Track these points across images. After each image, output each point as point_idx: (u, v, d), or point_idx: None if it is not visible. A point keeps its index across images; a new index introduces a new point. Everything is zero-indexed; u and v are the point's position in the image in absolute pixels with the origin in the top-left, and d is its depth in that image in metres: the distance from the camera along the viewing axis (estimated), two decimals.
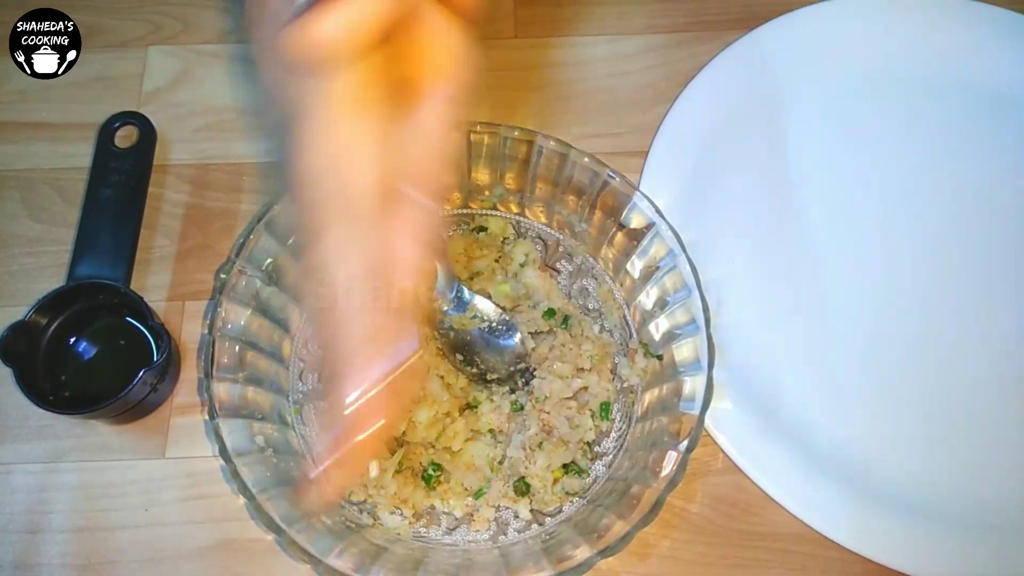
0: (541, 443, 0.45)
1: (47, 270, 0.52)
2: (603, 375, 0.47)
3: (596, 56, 0.59)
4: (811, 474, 0.46)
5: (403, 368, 0.30)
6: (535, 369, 0.47)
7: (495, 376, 0.47)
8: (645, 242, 0.47)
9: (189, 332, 0.50)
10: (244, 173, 0.55)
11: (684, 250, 0.45)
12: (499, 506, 0.45)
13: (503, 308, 0.48)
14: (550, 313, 0.49)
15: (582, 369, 0.47)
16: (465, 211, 0.52)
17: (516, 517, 0.45)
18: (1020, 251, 0.53)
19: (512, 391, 0.47)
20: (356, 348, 0.30)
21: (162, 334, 0.46)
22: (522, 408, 0.47)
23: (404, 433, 0.45)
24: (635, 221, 0.47)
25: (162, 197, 0.54)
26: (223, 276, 0.44)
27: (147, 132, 0.53)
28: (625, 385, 0.48)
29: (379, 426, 0.31)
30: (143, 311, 0.46)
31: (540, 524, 0.45)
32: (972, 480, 0.47)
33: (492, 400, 0.46)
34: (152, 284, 0.51)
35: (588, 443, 0.46)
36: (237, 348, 0.44)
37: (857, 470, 0.47)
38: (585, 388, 0.47)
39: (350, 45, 0.26)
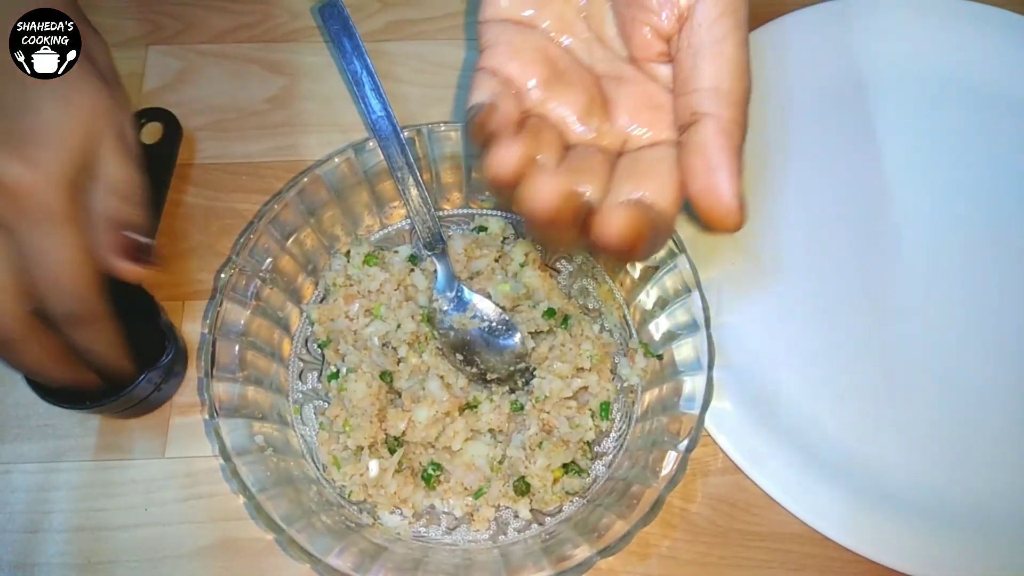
0: (541, 443, 0.45)
1: None
2: (603, 375, 0.47)
3: None
4: (810, 474, 0.46)
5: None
6: (535, 369, 0.47)
7: (495, 376, 0.47)
8: None
9: (188, 332, 0.50)
10: (243, 173, 0.55)
11: (684, 250, 0.45)
12: (499, 506, 0.45)
13: (503, 308, 0.48)
14: (550, 313, 0.49)
15: (582, 369, 0.47)
16: (465, 211, 0.52)
17: (516, 517, 0.45)
18: None
19: (512, 391, 0.47)
20: None
21: (170, 334, 0.46)
22: (522, 408, 0.47)
23: (404, 432, 0.45)
24: None
25: None
26: (223, 276, 0.44)
27: (173, 129, 0.53)
28: (625, 385, 0.48)
29: None
30: (152, 310, 0.46)
31: (540, 524, 0.45)
32: (972, 479, 0.47)
33: (492, 400, 0.46)
34: (150, 282, 0.51)
35: (588, 443, 0.46)
36: (237, 348, 0.44)
37: (856, 470, 0.47)
38: (585, 388, 0.47)
39: None
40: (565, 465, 0.45)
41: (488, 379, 0.47)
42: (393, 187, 0.49)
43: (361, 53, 0.46)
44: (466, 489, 0.45)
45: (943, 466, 0.47)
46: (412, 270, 0.50)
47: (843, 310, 0.51)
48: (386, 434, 0.45)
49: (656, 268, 0.47)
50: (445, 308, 0.47)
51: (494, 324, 0.47)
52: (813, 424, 0.48)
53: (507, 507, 0.45)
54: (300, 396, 0.47)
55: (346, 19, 0.46)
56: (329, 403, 0.47)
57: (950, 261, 0.53)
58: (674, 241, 0.45)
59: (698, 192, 0.32)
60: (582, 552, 0.39)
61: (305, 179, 0.47)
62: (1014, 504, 0.47)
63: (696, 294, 0.44)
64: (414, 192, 0.47)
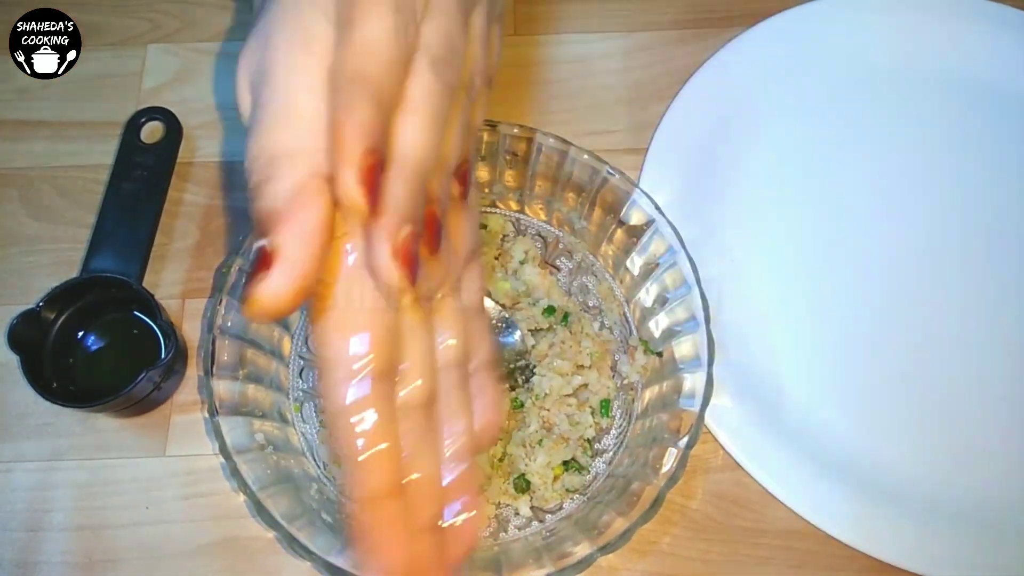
0: (541, 440, 0.45)
1: (47, 267, 0.52)
2: (603, 372, 0.47)
3: (596, 53, 0.59)
4: (811, 470, 0.46)
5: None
6: (535, 366, 0.47)
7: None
8: (645, 239, 0.47)
9: (188, 330, 0.50)
10: (243, 171, 0.55)
11: (684, 247, 0.45)
12: (499, 503, 0.45)
13: (503, 306, 0.48)
14: (550, 310, 0.49)
15: (582, 366, 0.47)
16: None
17: (516, 514, 0.45)
18: None
19: (512, 388, 0.47)
20: None
21: (170, 332, 0.46)
22: (522, 405, 0.47)
23: None
24: (635, 218, 0.47)
25: None
26: (223, 274, 0.44)
27: (173, 128, 0.53)
28: (625, 382, 0.48)
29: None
30: (152, 308, 0.46)
31: (540, 521, 0.45)
32: (975, 476, 0.47)
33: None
34: (150, 281, 0.51)
35: (588, 440, 0.46)
36: (237, 346, 0.44)
37: (857, 466, 0.47)
38: (585, 385, 0.47)
39: None
40: (565, 462, 0.45)
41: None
42: None
43: None
44: None
45: (945, 462, 0.47)
46: None
47: (845, 306, 0.51)
48: None
49: (656, 265, 0.47)
50: None
51: (494, 322, 0.47)
52: (814, 420, 0.48)
53: (507, 504, 0.45)
54: (300, 394, 0.47)
55: None
56: None
57: (955, 258, 0.53)
58: (675, 238, 0.45)
59: None
60: (582, 549, 0.39)
61: None
62: (1017, 501, 0.46)
63: (696, 291, 0.44)
64: None
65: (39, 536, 0.45)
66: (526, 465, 0.45)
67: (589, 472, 0.46)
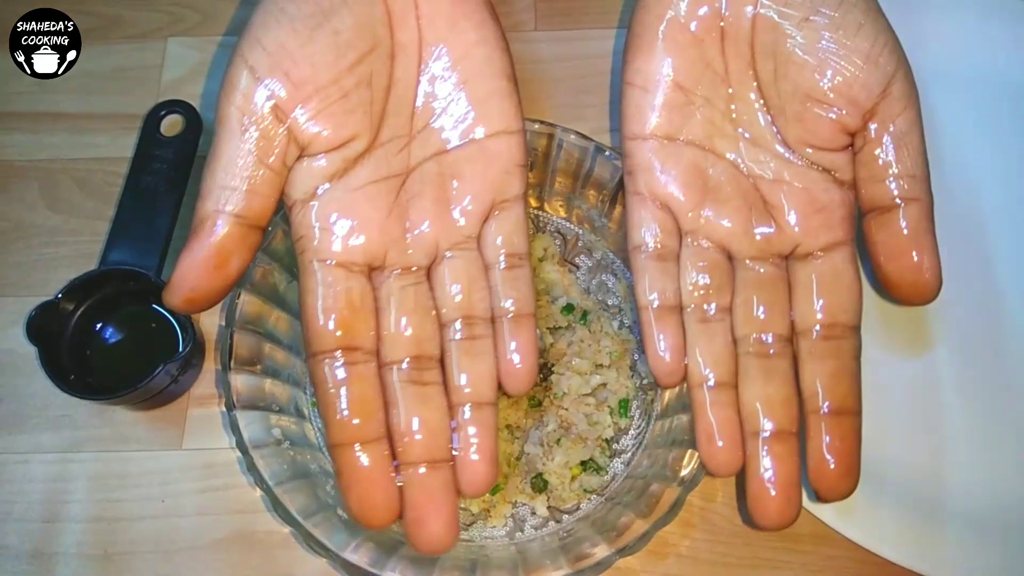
0: (559, 439, 0.44)
1: (66, 259, 0.52)
2: (622, 371, 0.47)
3: (617, 49, 0.58)
4: None
5: None
6: (553, 365, 0.47)
7: None
8: None
9: (206, 324, 0.50)
10: None
11: None
12: (516, 502, 0.45)
13: None
14: (568, 309, 0.48)
15: (601, 365, 0.46)
16: None
17: (533, 514, 0.45)
18: None
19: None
20: None
21: (188, 326, 0.45)
22: (540, 404, 0.46)
23: None
24: None
25: None
26: None
27: (193, 121, 0.53)
28: (644, 382, 0.47)
29: None
30: None
31: (557, 521, 0.44)
32: (1000, 482, 0.46)
33: (509, 396, 0.46)
34: (168, 274, 0.50)
35: (606, 440, 0.46)
36: (255, 340, 0.44)
37: (879, 471, 0.46)
38: (604, 384, 0.46)
39: None
40: (583, 462, 0.44)
41: None
42: None
43: None
44: None
45: (969, 468, 0.47)
46: None
47: (868, 304, 0.50)
48: None
49: None
50: None
51: None
52: None
53: (524, 504, 0.45)
54: None
55: None
56: None
57: (969, 255, 0.52)
58: None
59: (901, 271, 0.36)
60: (601, 551, 0.39)
61: None
62: None
63: None
64: None
65: (55, 527, 0.45)
66: (543, 464, 0.44)
67: (607, 473, 0.45)
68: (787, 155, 0.37)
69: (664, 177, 0.37)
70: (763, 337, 0.36)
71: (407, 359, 0.34)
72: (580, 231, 0.51)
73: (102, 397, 0.45)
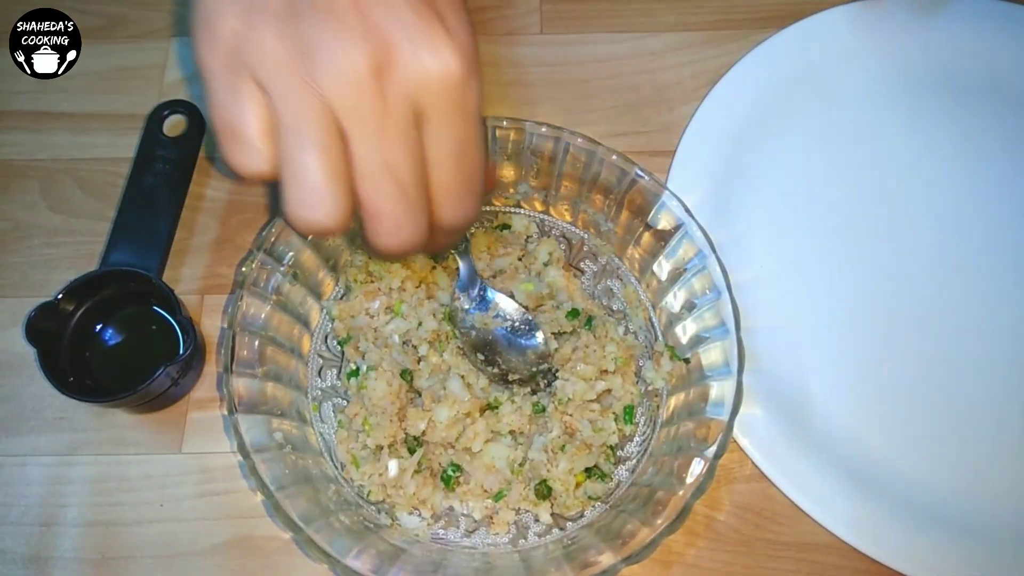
0: (564, 446, 0.44)
1: (66, 260, 0.51)
2: (627, 378, 0.46)
3: (622, 53, 0.58)
4: (839, 484, 0.45)
5: None
6: (557, 370, 0.46)
7: (516, 376, 0.46)
8: (673, 243, 0.46)
9: (207, 327, 0.50)
10: None
11: (714, 251, 0.44)
12: (519, 509, 0.44)
13: (525, 307, 0.47)
14: (573, 313, 0.48)
15: (606, 371, 0.46)
16: (488, 208, 0.51)
17: (537, 521, 0.44)
18: None
19: (534, 392, 0.46)
20: None
21: (189, 328, 0.45)
22: (544, 410, 0.46)
23: (424, 432, 0.44)
24: (663, 221, 0.46)
25: None
26: (244, 270, 0.44)
27: (196, 122, 0.52)
28: (649, 388, 0.47)
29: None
30: (172, 303, 0.46)
31: (561, 529, 0.44)
32: (1008, 493, 0.46)
33: (513, 401, 0.45)
34: (169, 276, 0.50)
35: (611, 447, 0.45)
36: (257, 343, 0.43)
37: (886, 481, 0.46)
38: (609, 391, 0.46)
39: None
40: (588, 469, 0.44)
41: (509, 380, 0.46)
42: None
43: None
44: (486, 491, 0.44)
45: (976, 478, 0.46)
46: (434, 267, 0.49)
47: (877, 316, 0.50)
48: (406, 434, 0.44)
49: (684, 270, 0.46)
50: (467, 307, 0.46)
51: (517, 324, 0.46)
52: (843, 433, 0.47)
53: (528, 511, 0.44)
54: (319, 393, 0.47)
55: None
56: (348, 401, 0.46)
57: (988, 265, 0.51)
58: (706, 242, 0.44)
59: None
60: (606, 559, 0.38)
61: None
62: None
63: (726, 296, 0.43)
64: None
65: (52, 531, 0.45)
66: (548, 471, 0.44)
67: (612, 480, 0.45)
68: None
69: None
70: None
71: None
72: (585, 235, 0.50)
73: (101, 399, 0.45)
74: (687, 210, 0.45)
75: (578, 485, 0.44)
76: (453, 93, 0.30)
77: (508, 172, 0.49)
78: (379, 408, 0.44)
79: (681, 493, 0.40)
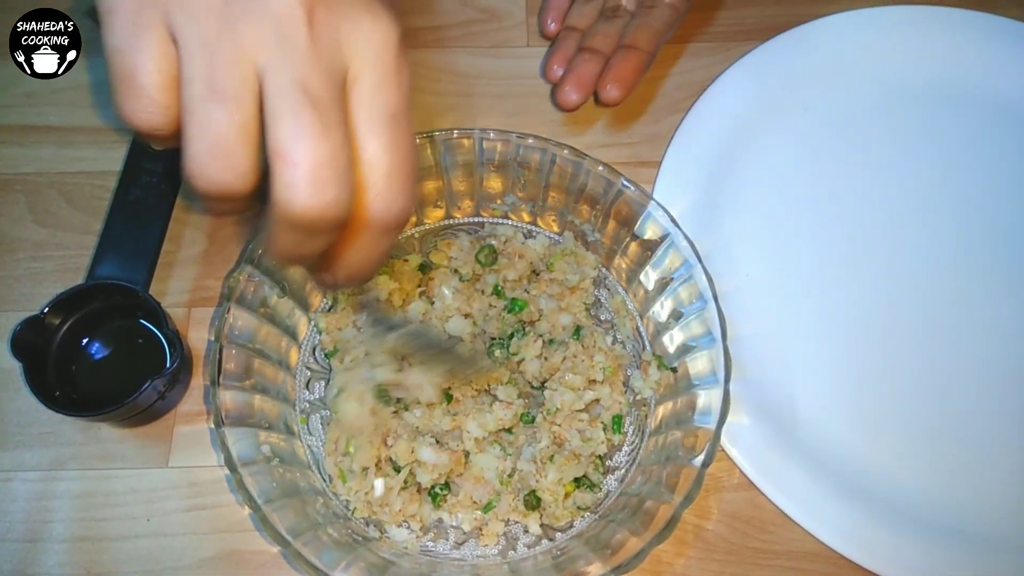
0: (552, 456, 0.44)
1: (52, 274, 0.51)
2: (615, 387, 0.46)
3: None
4: (827, 492, 0.45)
5: None
6: (546, 380, 0.46)
7: (497, 341, 0.47)
8: (660, 252, 0.46)
9: (194, 339, 0.50)
10: None
11: (700, 260, 0.44)
12: (508, 520, 0.44)
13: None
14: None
15: (594, 381, 0.46)
16: (476, 219, 0.52)
17: (526, 532, 0.44)
18: None
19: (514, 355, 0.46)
20: None
21: (175, 341, 0.45)
22: (533, 420, 0.46)
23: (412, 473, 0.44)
24: (649, 231, 0.47)
25: None
26: (231, 282, 0.44)
27: None
28: (638, 398, 0.47)
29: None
30: (159, 316, 0.45)
31: (550, 539, 0.44)
32: (993, 499, 0.46)
33: (503, 395, 0.45)
34: (156, 289, 0.50)
35: (600, 457, 0.45)
36: (244, 355, 0.43)
37: (874, 488, 0.46)
38: (597, 400, 0.46)
39: None
40: (577, 479, 0.44)
41: (491, 348, 0.47)
42: None
43: None
44: (475, 503, 0.44)
45: (963, 484, 0.47)
46: (421, 280, 0.49)
47: (863, 325, 0.50)
48: (391, 459, 0.44)
49: (671, 279, 0.46)
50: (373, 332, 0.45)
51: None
52: (831, 441, 0.47)
53: (517, 522, 0.44)
54: (307, 406, 0.46)
55: None
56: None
57: (971, 275, 0.52)
58: (692, 251, 0.45)
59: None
60: (595, 569, 0.38)
61: None
62: None
63: (712, 305, 0.43)
64: None
65: (38, 547, 0.44)
66: (536, 481, 0.44)
67: (601, 490, 0.45)
68: None
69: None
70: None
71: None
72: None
73: (87, 414, 0.44)
74: (673, 220, 0.45)
75: (567, 495, 0.44)
76: (392, 60, 0.28)
77: (496, 183, 0.50)
78: (355, 430, 0.44)
79: (670, 502, 0.40)
